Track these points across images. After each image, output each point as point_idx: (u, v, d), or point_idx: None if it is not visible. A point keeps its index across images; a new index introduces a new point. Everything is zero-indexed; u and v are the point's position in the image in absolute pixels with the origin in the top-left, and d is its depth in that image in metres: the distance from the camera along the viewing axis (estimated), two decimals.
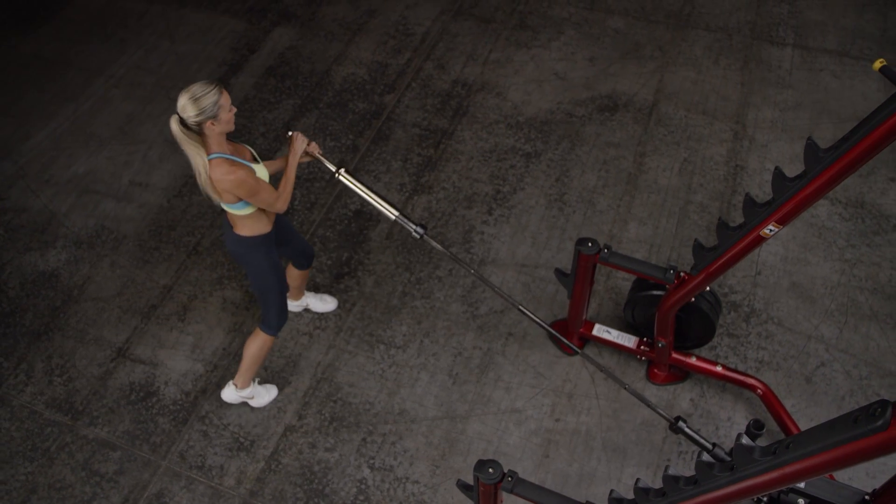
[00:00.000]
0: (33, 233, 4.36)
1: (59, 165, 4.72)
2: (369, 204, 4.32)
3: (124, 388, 3.69)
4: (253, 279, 3.14)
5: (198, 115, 2.57)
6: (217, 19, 5.63)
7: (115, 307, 4.00)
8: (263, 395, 3.52)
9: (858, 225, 4.12)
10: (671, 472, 2.11)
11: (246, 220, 2.92)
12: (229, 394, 3.50)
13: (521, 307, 2.90)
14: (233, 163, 2.71)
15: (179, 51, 5.40)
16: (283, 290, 3.19)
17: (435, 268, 4.05)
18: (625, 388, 2.74)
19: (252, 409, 3.56)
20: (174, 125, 2.60)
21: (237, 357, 3.75)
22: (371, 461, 3.39)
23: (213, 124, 2.62)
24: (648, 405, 2.67)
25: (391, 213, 3.04)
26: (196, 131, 2.64)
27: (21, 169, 4.72)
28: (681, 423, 2.56)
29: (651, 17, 5.39)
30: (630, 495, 2.77)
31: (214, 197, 2.77)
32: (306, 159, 3.07)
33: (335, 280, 4.02)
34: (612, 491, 2.42)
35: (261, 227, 2.98)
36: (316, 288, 3.97)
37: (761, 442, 3.25)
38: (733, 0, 5.47)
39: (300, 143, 2.97)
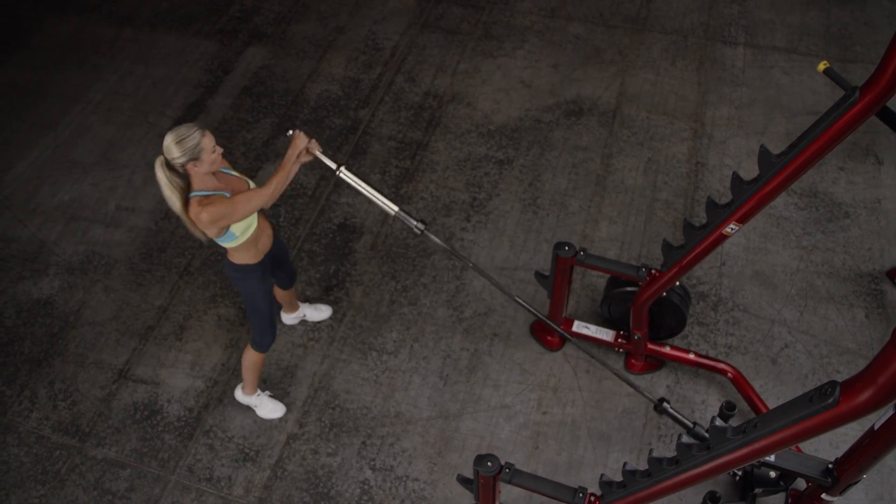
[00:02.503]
0: (24, 262, 4.47)
1: (44, 194, 4.82)
2: (353, 216, 4.53)
3: (128, 408, 3.83)
4: (244, 302, 3.34)
5: (180, 157, 2.72)
6: (189, 41, 5.75)
7: (112, 330, 4.13)
8: (267, 408, 3.70)
9: (813, 213, 4.41)
10: (655, 454, 2.34)
11: (233, 251, 3.09)
12: (238, 395, 3.74)
13: (518, 299, 3.11)
14: (201, 200, 2.81)
15: (154, 74, 5.52)
16: (271, 314, 3.36)
17: (420, 275, 4.24)
18: (614, 374, 2.98)
19: (254, 420, 3.73)
20: (159, 169, 2.76)
21: (236, 372, 3.91)
22: (372, 462, 3.58)
23: (195, 165, 2.76)
24: (635, 388, 2.91)
25: (391, 208, 3.07)
26: (181, 172, 2.79)
27: (6, 199, 4.80)
28: (665, 405, 2.82)
29: (609, 23, 5.64)
30: (619, 478, 3.00)
31: (198, 234, 2.91)
32: (307, 158, 3.04)
33: (324, 292, 4.20)
34: (602, 475, 2.65)
35: (248, 258, 3.12)
36: (307, 300, 4.14)
37: (734, 421, 3.51)
38: (687, 2, 5.75)
39: (301, 141, 2.97)
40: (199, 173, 2.81)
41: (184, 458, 3.65)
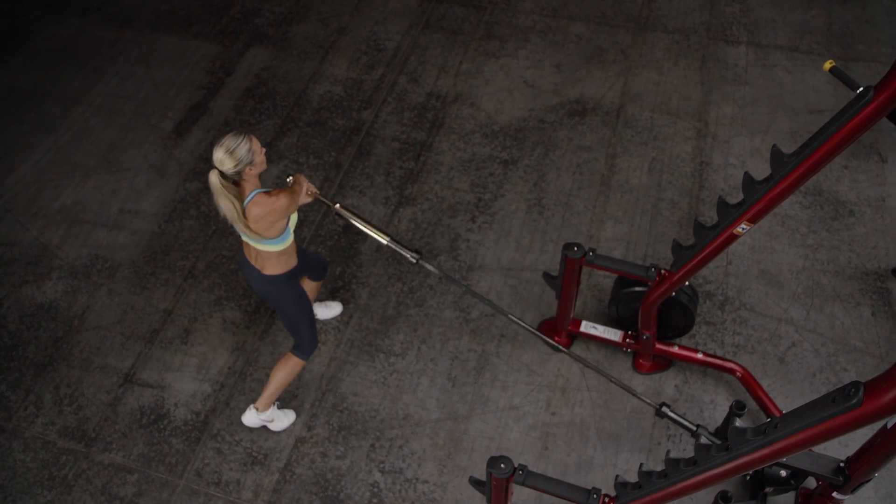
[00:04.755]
0: (27, 266, 4.44)
1: (45, 197, 4.79)
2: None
3: (135, 412, 3.81)
4: (285, 314, 3.33)
5: (237, 166, 2.82)
6: (189, 43, 5.72)
7: (117, 334, 4.11)
8: (282, 420, 3.66)
9: (818, 212, 4.42)
10: (672, 455, 2.33)
11: (280, 256, 3.12)
12: (250, 418, 3.60)
13: (511, 315, 3.12)
14: (269, 193, 2.93)
15: (155, 77, 5.49)
16: (312, 317, 3.40)
17: (426, 277, 4.23)
18: (611, 381, 2.99)
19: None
20: (214, 178, 2.84)
21: (243, 375, 3.90)
22: (381, 465, 3.57)
23: (250, 169, 2.86)
24: (633, 394, 2.91)
25: (382, 238, 3.27)
26: (234, 181, 2.88)
27: (7, 203, 4.77)
28: (664, 409, 2.83)
29: (611, 22, 5.64)
30: (631, 478, 3.00)
31: (254, 237, 2.99)
32: (307, 200, 3.17)
33: (331, 294, 4.18)
34: (616, 476, 2.64)
35: (291, 262, 3.21)
36: (316, 299, 4.12)
37: (743, 420, 3.50)
38: (688, 1, 5.75)
39: (303, 185, 3.14)
40: (252, 175, 2.90)
41: (192, 463, 3.63)
